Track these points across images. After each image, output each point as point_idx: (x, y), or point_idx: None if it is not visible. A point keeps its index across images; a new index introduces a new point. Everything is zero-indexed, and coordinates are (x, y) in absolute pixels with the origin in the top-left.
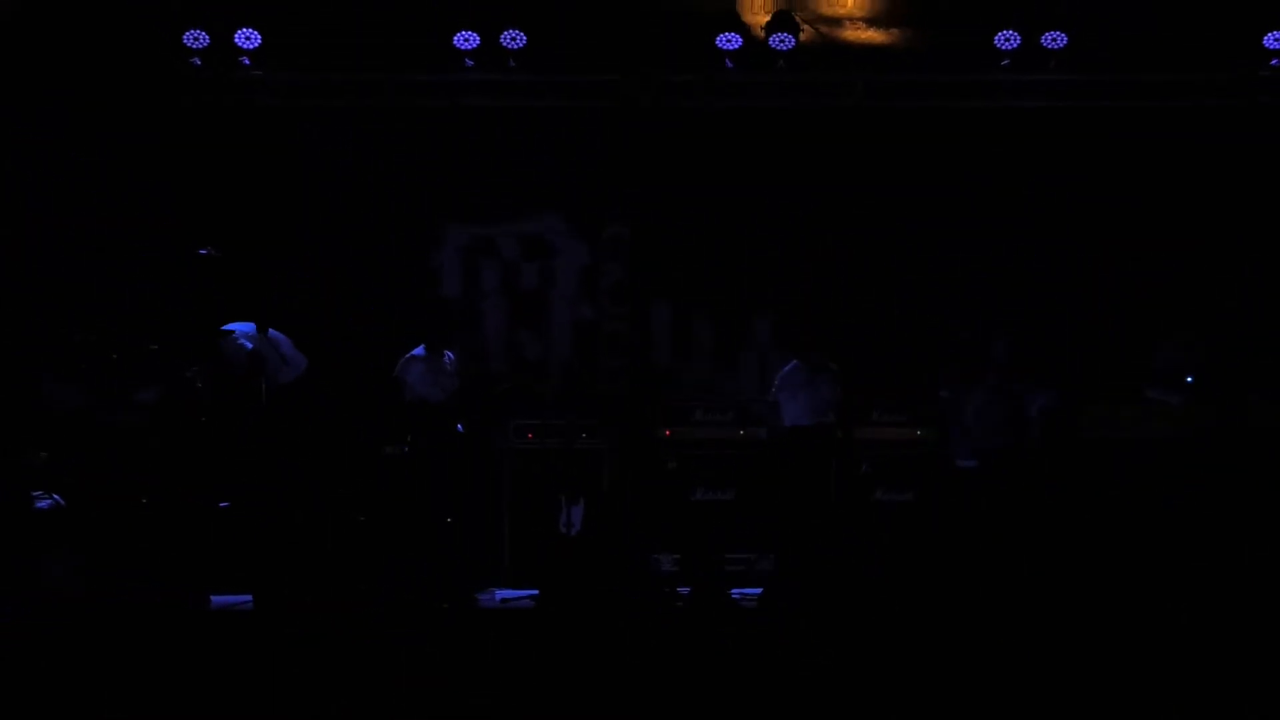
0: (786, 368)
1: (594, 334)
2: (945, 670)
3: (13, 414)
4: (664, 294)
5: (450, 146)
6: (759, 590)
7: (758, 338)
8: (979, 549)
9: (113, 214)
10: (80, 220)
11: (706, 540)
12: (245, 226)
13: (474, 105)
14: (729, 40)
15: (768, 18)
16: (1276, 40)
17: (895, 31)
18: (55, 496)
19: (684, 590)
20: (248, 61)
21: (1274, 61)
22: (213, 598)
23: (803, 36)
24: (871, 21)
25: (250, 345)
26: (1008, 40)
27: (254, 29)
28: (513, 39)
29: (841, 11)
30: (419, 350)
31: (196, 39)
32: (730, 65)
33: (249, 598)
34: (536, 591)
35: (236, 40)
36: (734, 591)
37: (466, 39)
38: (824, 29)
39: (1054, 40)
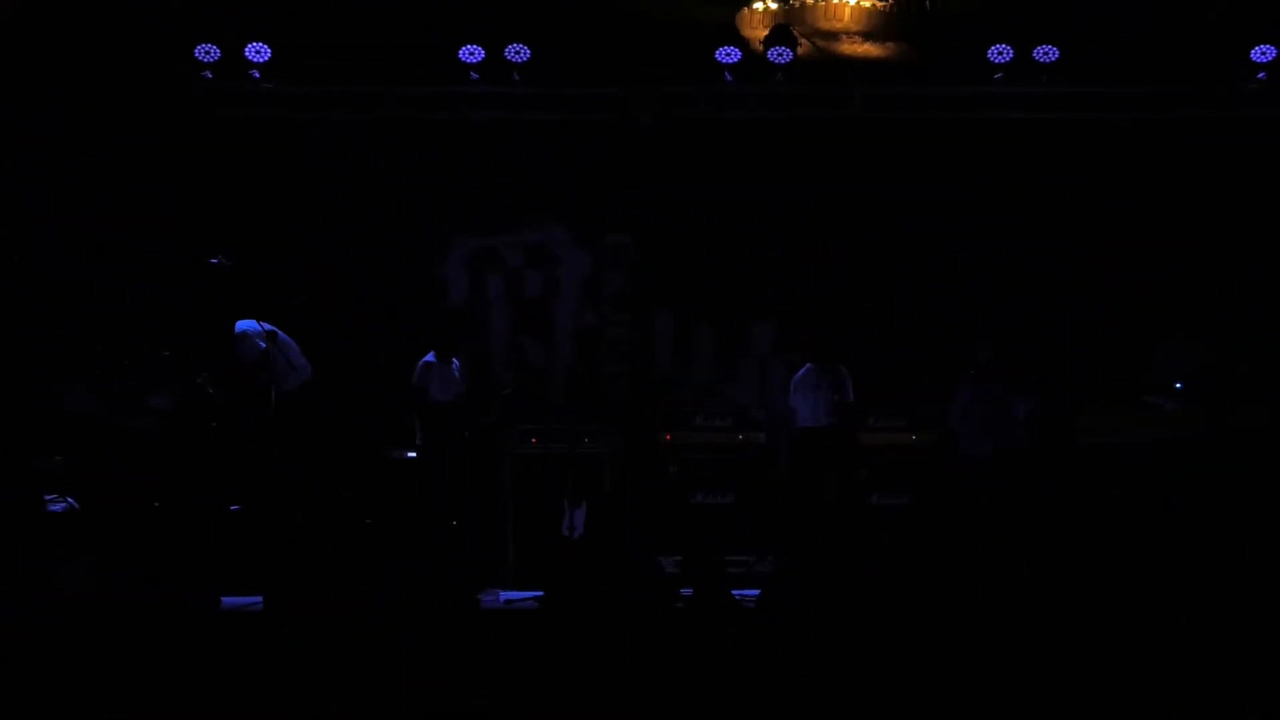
0: (800, 371)
1: (596, 341)
2: (944, 670)
3: (27, 419)
4: (665, 302)
5: (456, 158)
6: (757, 592)
7: (756, 345)
8: (974, 551)
9: (126, 225)
10: (94, 231)
11: (707, 542)
12: (254, 236)
13: (479, 118)
14: (729, 54)
15: (766, 32)
16: (1262, 54)
17: (891, 45)
18: (69, 499)
19: (686, 592)
20: (258, 75)
21: (1260, 74)
22: (223, 599)
23: (800, 50)
24: (867, 35)
25: (263, 344)
26: (1001, 53)
27: (264, 43)
28: (517, 53)
29: (838, 26)
30: (430, 357)
31: (208, 52)
32: (730, 78)
33: (259, 599)
34: (539, 593)
35: (247, 54)
36: (734, 593)
37: (472, 53)
38: (821, 43)
39: (1046, 54)
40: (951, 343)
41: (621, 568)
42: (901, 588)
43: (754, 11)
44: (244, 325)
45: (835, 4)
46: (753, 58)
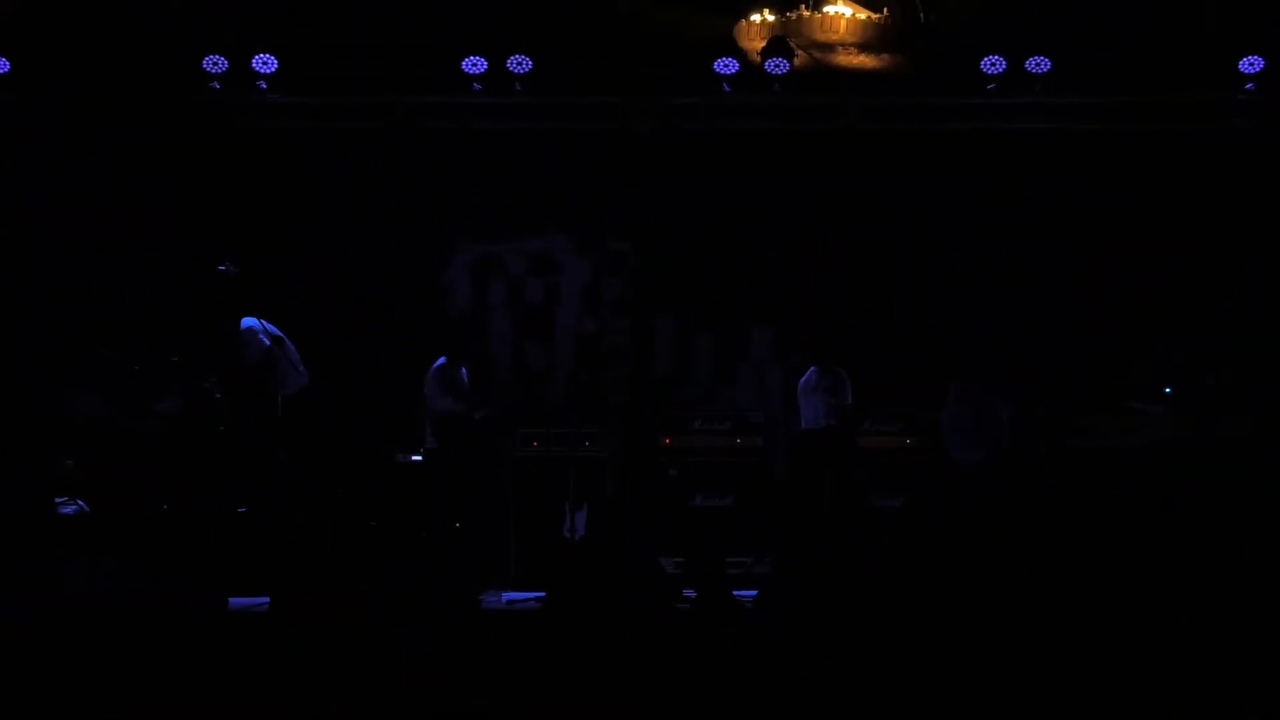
0: (805, 374)
1: (597, 346)
2: (940, 670)
3: (39, 423)
4: (665, 308)
5: (459, 167)
6: (755, 592)
7: (755, 350)
8: (968, 553)
9: (135, 233)
10: (103, 239)
11: (707, 544)
12: (262, 243)
13: (482, 127)
14: (727, 65)
15: (764, 43)
16: (1251, 65)
17: (886, 57)
18: (80, 502)
19: (689, 593)
20: (265, 85)
21: (1249, 86)
22: (231, 600)
23: (797, 61)
24: (863, 47)
25: (268, 342)
26: (994, 65)
27: (271, 54)
28: (519, 64)
29: (834, 38)
30: (441, 361)
31: (216, 64)
32: (728, 88)
33: (266, 600)
34: (541, 593)
35: (254, 65)
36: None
37: (475, 64)
38: (818, 54)
39: (1038, 65)
40: (946, 347)
41: (622, 569)
42: (897, 588)
43: (752, 24)
44: (249, 323)
45: (831, 16)
46: (750, 69)
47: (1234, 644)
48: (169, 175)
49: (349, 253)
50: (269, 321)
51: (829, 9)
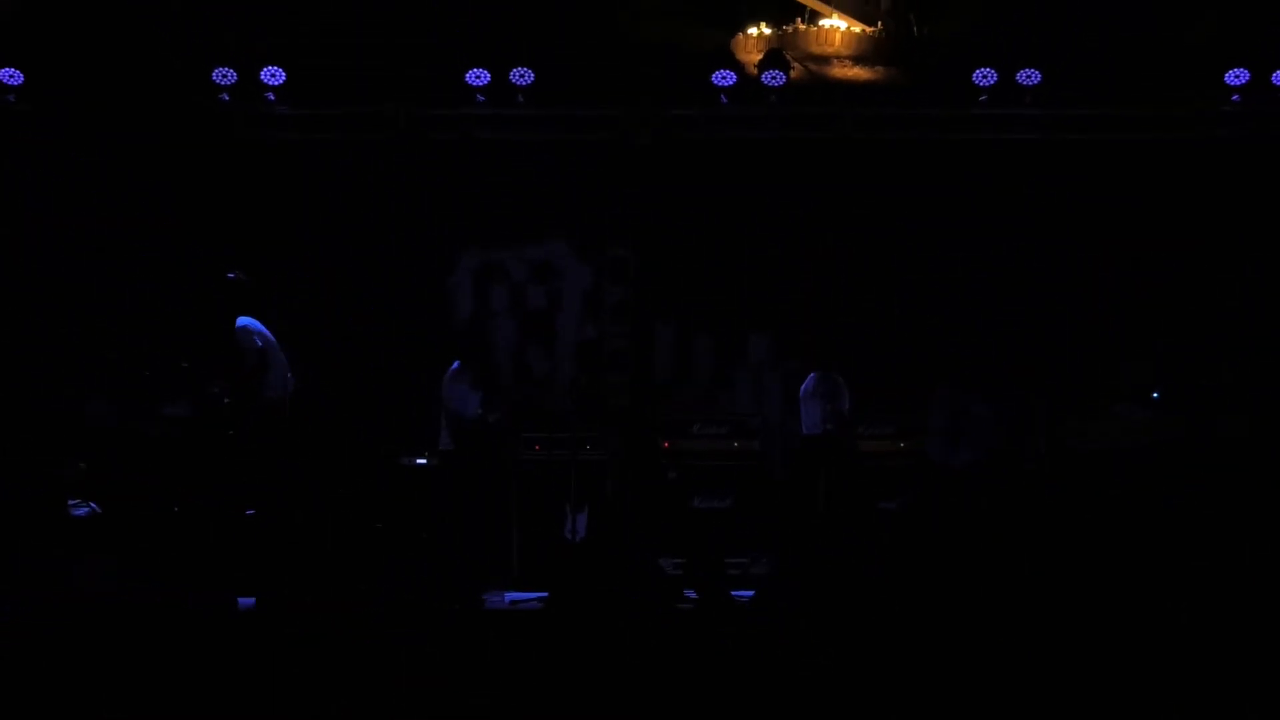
0: (806, 380)
1: (597, 351)
2: (934, 669)
3: (51, 427)
4: (664, 313)
5: (463, 176)
6: (752, 592)
7: (752, 355)
8: (958, 554)
9: (146, 241)
10: (115, 247)
11: (706, 545)
12: (270, 250)
13: (485, 138)
14: (724, 77)
15: (761, 56)
16: (1236, 77)
17: (880, 69)
18: (92, 504)
19: (689, 593)
20: (273, 97)
21: (1235, 97)
22: (240, 600)
23: (793, 73)
24: (857, 60)
25: (260, 343)
26: (985, 77)
27: (279, 66)
28: (521, 76)
29: (829, 50)
30: (455, 366)
31: (225, 76)
32: (726, 100)
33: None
34: (544, 594)
35: (263, 77)
36: (731, 593)
37: (478, 76)
38: (813, 66)
39: (1029, 77)
40: (939, 351)
41: (622, 569)
42: (892, 589)
43: (749, 36)
44: (244, 322)
45: (827, 29)
46: (748, 80)
47: (1230, 643)
48: (179, 184)
49: (354, 260)
50: (274, 325)
51: (824, 23)
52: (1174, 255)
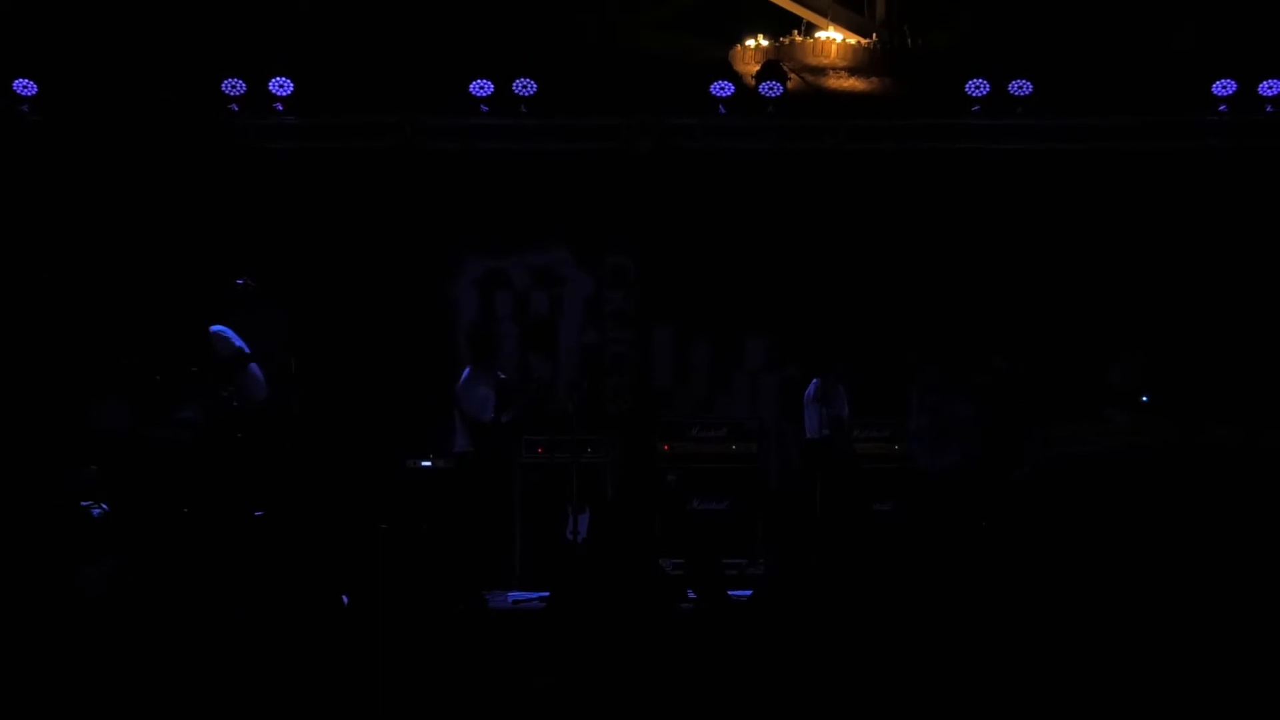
0: (810, 385)
1: (598, 356)
2: (928, 669)
3: (63, 430)
4: (664, 320)
5: (467, 185)
6: (750, 592)
7: (750, 360)
8: (953, 556)
9: (157, 249)
10: (126, 255)
11: (704, 546)
12: (278, 257)
13: (488, 147)
14: (722, 88)
15: (758, 67)
16: (1223, 88)
17: (875, 80)
18: (104, 505)
19: (690, 593)
20: (281, 107)
21: (1222, 108)
22: (246, 599)
23: (790, 84)
24: (853, 71)
25: (238, 342)
26: (978, 88)
27: (287, 77)
28: (524, 86)
29: (825, 62)
30: (467, 372)
31: (234, 86)
32: (724, 110)
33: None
34: (545, 593)
35: (271, 88)
36: (728, 593)
37: (482, 86)
38: (809, 77)
39: (1020, 88)
40: (933, 355)
41: (622, 569)
42: (886, 589)
43: (746, 48)
44: (219, 328)
45: (823, 41)
46: (745, 91)
47: (1222, 646)
48: (189, 192)
49: (360, 266)
50: (282, 329)
51: (820, 34)
52: (1163, 262)
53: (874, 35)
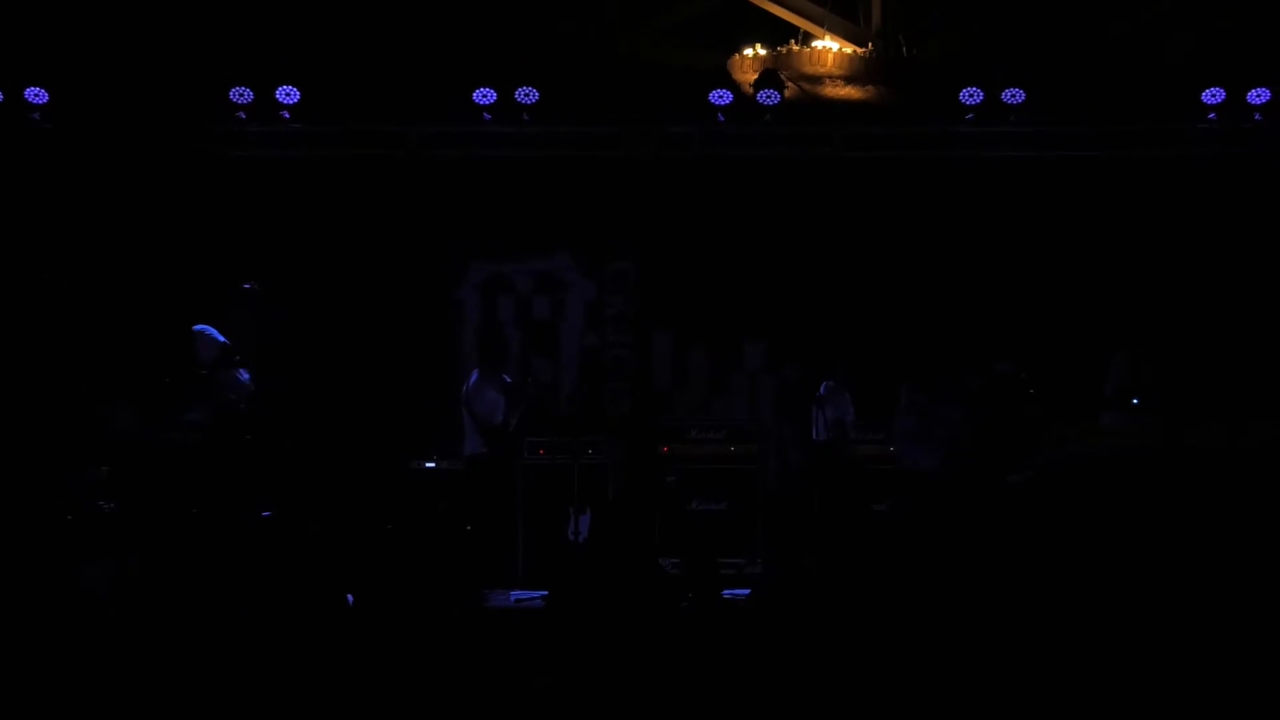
0: (821, 388)
1: (599, 360)
2: (926, 670)
3: (75, 433)
4: (663, 324)
5: (471, 191)
6: (747, 591)
7: (748, 363)
8: (945, 556)
9: (167, 255)
10: (137, 261)
11: (701, 546)
12: (285, 262)
13: (492, 155)
14: (721, 96)
15: (756, 76)
16: (1212, 96)
17: (870, 88)
18: (110, 504)
19: (689, 592)
20: (288, 115)
21: (1211, 116)
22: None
23: (787, 93)
24: (849, 79)
25: (223, 339)
26: (971, 96)
27: (293, 86)
28: (526, 95)
29: (822, 70)
30: (476, 376)
31: (242, 95)
32: (722, 118)
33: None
34: (546, 592)
35: (278, 96)
36: (725, 592)
37: (485, 95)
38: (806, 86)
39: (1013, 96)
40: (927, 358)
41: (623, 569)
42: (882, 589)
43: (744, 57)
44: (202, 327)
45: (819, 50)
46: (743, 100)
47: (1214, 648)
48: (197, 198)
49: (366, 271)
50: (289, 333)
51: (817, 44)
52: (1154, 267)
53: (869, 44)
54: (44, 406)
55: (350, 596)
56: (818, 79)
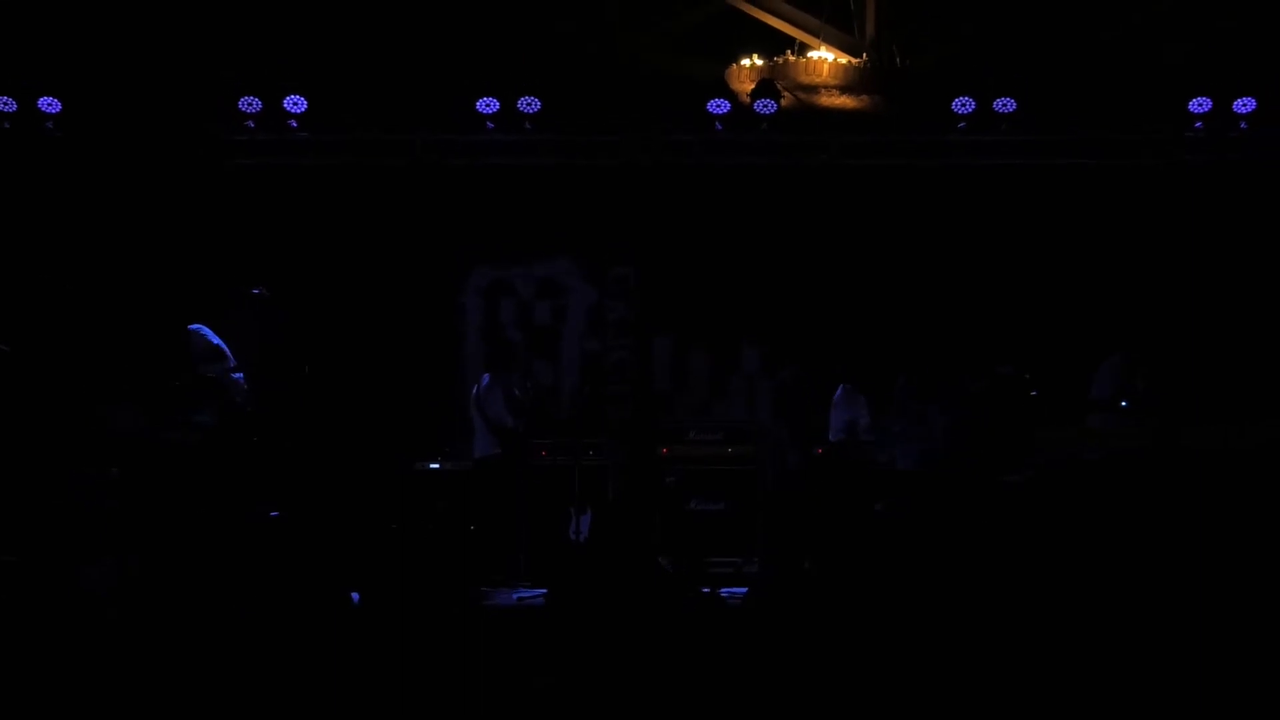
0: (838, 391)
1: (600, 363)
2: (921, 671)
3: (84, 435)
4: (663, 328)
5: (474, 198)
6: (744, 590)
7: (745, 366)
8: (940, 556)
9: (176, 260)
10: (147, 266)
11: (700, 545)
12: (293, 267)
13: (495, 163)
14: (719, 105)
15: (753, 85)
16: (1200, 105)
17: (865, 98)
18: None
19: (688, 592)
20: (295, 124)
21: (1198, 124)
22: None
23: (784, 102)
24: (844, 89)
25: (215, 340)
26: (963, 105)
27: (301, 95)
28: (529, 104)
29: (817, 80)
30: (487, 379)
31: (250, 104)
32: (720, 127)
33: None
34: (548, 590)
35: (285, 105)
36: (723, 591)
37: (488, 104)
38: (802, 95)
39: (1004, 105)
40: (921, 361)
41: (623, 568)
42: (880, 588)
43: (742, 67)
44: (197, 326)
45: (815, 61)
46: (741, 109)
47: (1206, 649)
48: (206, 205)
49: (372, 277)
50: (296, 337)
51: (813, 54)
52: (1142, 271)
53: (864, 55)
54: (50, 407)
55: (355, 595)
56: (813, 89)
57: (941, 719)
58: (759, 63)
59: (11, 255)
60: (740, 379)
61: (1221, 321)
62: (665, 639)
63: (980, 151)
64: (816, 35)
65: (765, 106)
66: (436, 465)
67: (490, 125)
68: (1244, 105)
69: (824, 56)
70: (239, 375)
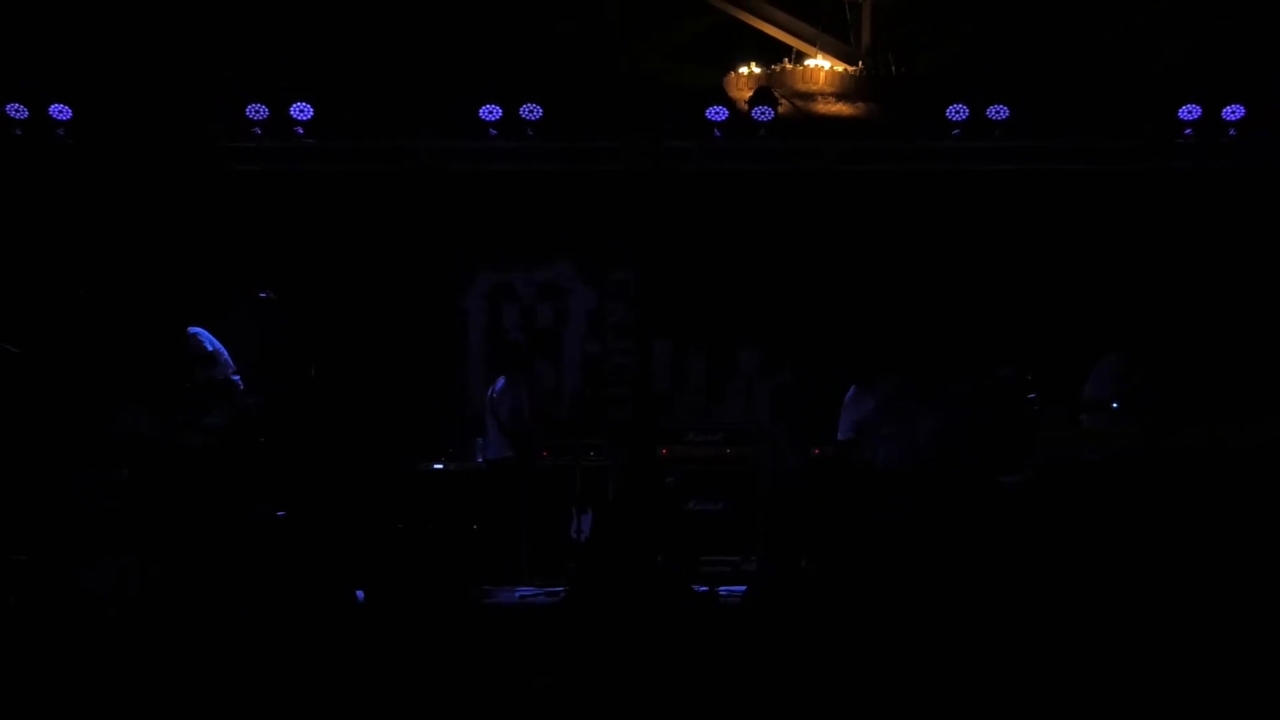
0: (849, 392)
1: (601, 366)
2: (913, 669)
3: (95, 436)
4: (663, 331)
5: (477, 204)
6: (743, 589)
7: (743, 369)
8: (938, 556)
9: (185, 265)
10: (157, 271)
11: (699, 545)
12: (299, 272)
13: (497, 169)
14: (717, 112)
15: (751, 93)
16: (1189, 113)
17: (861, 105)
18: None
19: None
20: (301, 131)
21: (1188, 131)
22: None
23: (781, 109)
24: (840, 96)
25: (211, 346)
26: (957, 112)
27: (307, 103)
28: (531, 111)
29: (814, 88)
30: (502, 382)
31: (257, 111)
32: (719, 134)
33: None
34: (550, 589)
35: (292, 112)
36: (722, 589)
37: (491, 111)
38: (799, 103)
39: (998, 112)
40: (918, 363)
41: (623, 567)
42: (878, 588)
43: (739, 75)
44: (196, 330)
45: (812, 69)
46: (739, 116)
47: (1201, 649)
48: (215, 211)
49: (377, 281)
50: (306, 341)
51: (810, 62)
52: (1135, 274)
53: (860, 63)
54: (59, 409)
55: (360, 593)
56: (810, 96)
57: (940, 718)
58: (757, 71)
59: (23, 259)
60: (739, 381)
61: (1218, 322)
62: (664, 637)
63: (974, 157)
64: (813, 44)
65: (763, 114)
66: (440, 466)
67: (493, 132)
68: (1233, 113)
69: (821, 65)
70: (236, 378)
